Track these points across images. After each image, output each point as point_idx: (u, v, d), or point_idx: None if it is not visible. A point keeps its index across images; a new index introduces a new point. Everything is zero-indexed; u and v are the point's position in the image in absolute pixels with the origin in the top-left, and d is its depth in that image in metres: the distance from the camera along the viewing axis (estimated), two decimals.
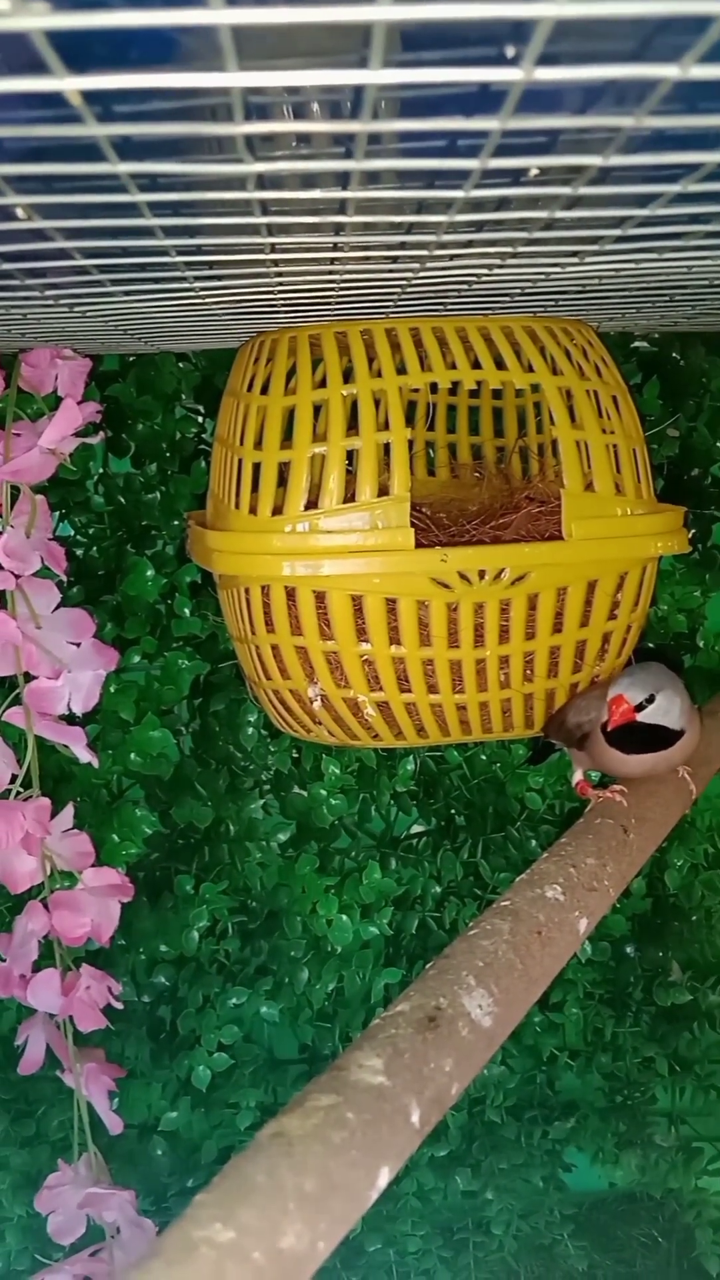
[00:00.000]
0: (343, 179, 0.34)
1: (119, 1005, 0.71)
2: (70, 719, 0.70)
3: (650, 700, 0.60)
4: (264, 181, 0.32)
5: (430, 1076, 0.38)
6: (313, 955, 0.88)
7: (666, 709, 0.60)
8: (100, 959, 0.85)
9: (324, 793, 0.87)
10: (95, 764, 0.72)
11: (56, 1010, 0.69)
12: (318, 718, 0.68)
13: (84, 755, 0.70)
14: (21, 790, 0.69)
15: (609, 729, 0.60)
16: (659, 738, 0.61)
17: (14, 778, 0.69)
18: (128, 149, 0.29)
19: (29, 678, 0.68)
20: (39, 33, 0.20)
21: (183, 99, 0.28)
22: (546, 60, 0.24)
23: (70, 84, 0.23)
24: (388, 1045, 0.38)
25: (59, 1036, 0.71)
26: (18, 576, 0.67)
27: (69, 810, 0.69)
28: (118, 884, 0.69)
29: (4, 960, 0.70)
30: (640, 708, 0.60)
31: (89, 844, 0.70)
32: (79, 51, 0.23)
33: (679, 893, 0.91)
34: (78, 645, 0.69)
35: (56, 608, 0.69)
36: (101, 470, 0.85)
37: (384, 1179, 0.35)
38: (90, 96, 0.25)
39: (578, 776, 0.67)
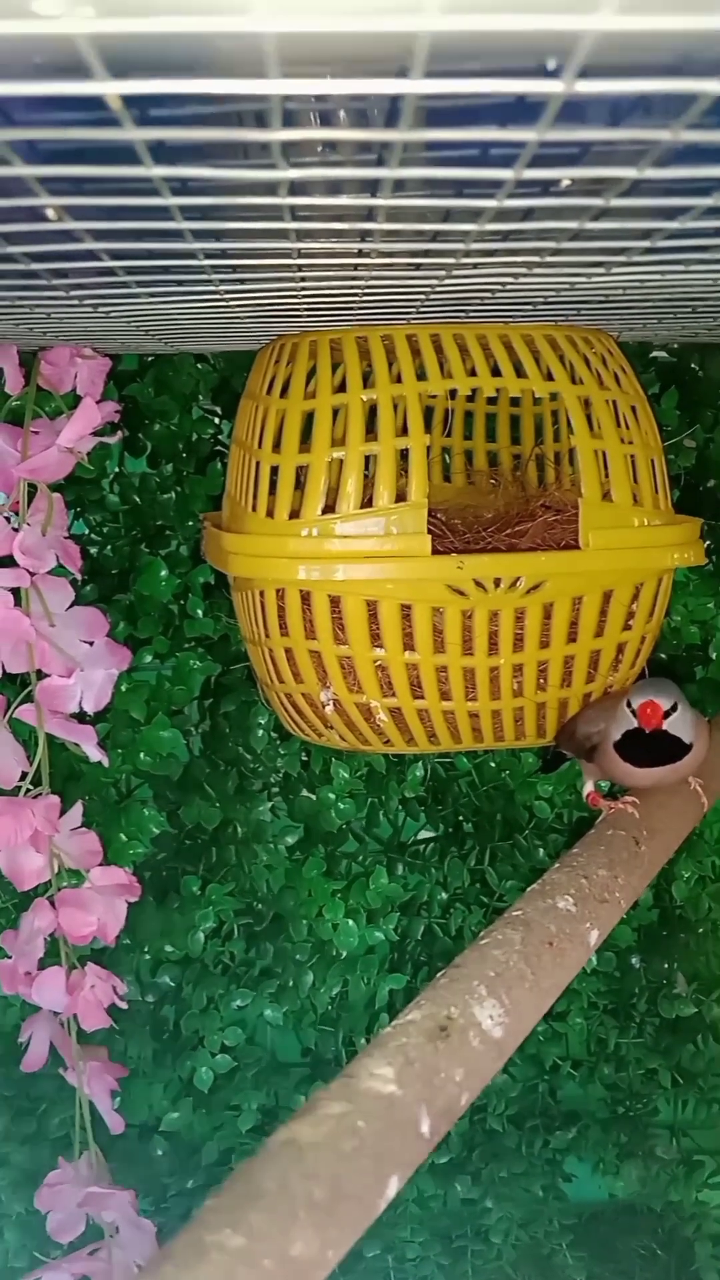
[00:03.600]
0: (371, 186, 0.34)
1: (123, 1005, 0.71)
2: (81, 718, 0.70)
3: (673, 710, 0.60)
4: (295, 187, 0.32)
5: (441, 1086, 0.38)
6: (318, 959, 0.88)
7: (682, 721, 0.60)
8: (105, 958, 0.85)
9: (332, 796, 0.87)
10: (105, 763, 0.72)
11: (61, 1008, 0.69)
12: (329, 722, 0.68)
13: (94, 754, 0.70)
14: (31, 788, 0.69)
15: (647, 731, 0.60)
16: (668, 750, 0.61)
17: (24, 775, 0.69)
18: (161, 152, 0.29)
19: (41, 675, 0.68)
20: (85, 37, 0.20)
21: (219, 104, 0.28)
22: (587, 74, 0.23)
23: (112, 88, 0.23)
24: (399, 1054, 0.38)
25: (62, 1034, 0.71)
26: (32, 574, 0.67)
27: (77, 808, 0.69)
28: (125, 883, 0.69)
29: (9, 957, 0.70)
30: (666, 715, 0.60)
31: (97, 843, 0.70)
32: (120, 55, 0.23)
33: (686, 904, 0.90)
34: (91, 644, 0.69)
35: (70, 606, 0.69)
36: (117, 469, 0.85)
37: (393, 1188, 0.35)
38: (129, 100, 0.25)
39: (589, 788, 0.67)
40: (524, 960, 0.45)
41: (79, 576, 0.72)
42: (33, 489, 0.70)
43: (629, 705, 0.61)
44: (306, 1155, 0.33)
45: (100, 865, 0.70)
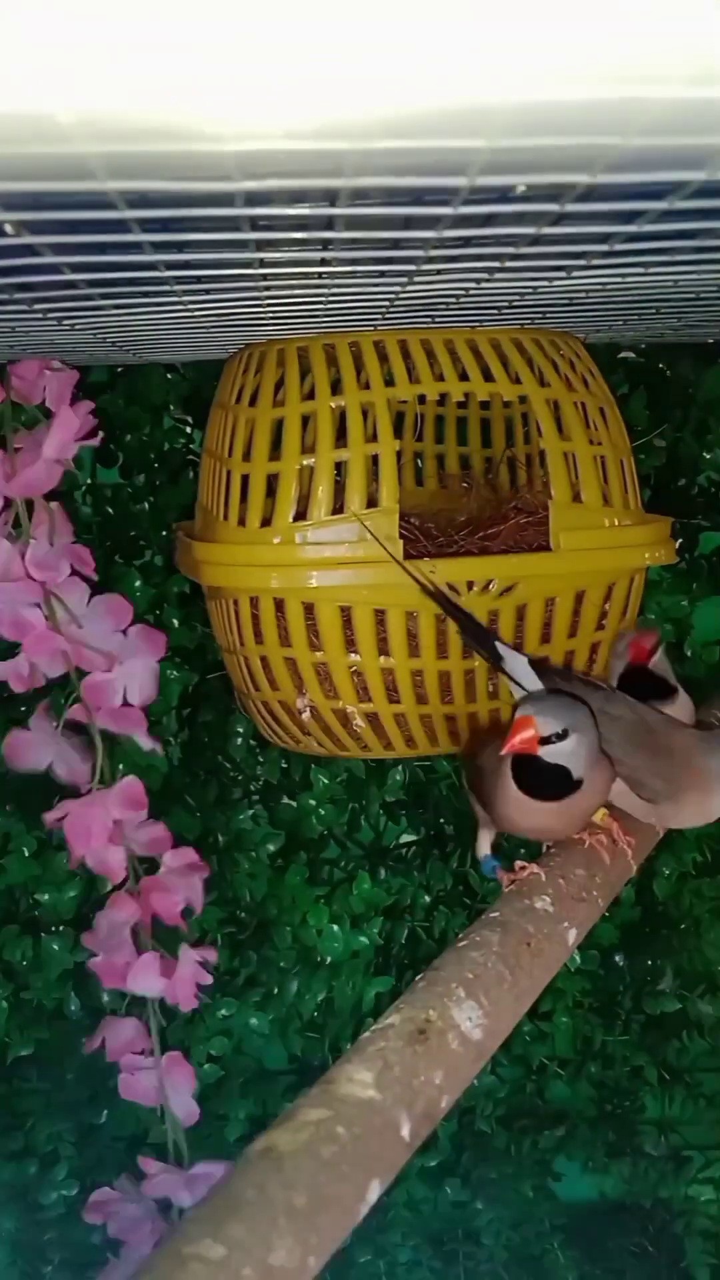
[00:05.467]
0: (330, 195, 0.34)
1: (207, 978, 0.70)
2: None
3: (563, 736, 0.52)
4: (252, 199, 0.32)
5: (420, 1089, 0.38)
6: (302, 966, 0.88)
7: (573, 752, 0.52)
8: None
9: (313, 803, 0.87)
10: (160, 752, 0.72)
11: (159, 993, 0.68)
12: (306, 729, 0.68)
13: (147, 744, 0.70)
14: (99, 786, 0.69)
15: (501, 752, 0.52)
16: (560, 784, 0.53)
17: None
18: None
19: (82, 674, 0.68)
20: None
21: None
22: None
23: (62, 107, 0.23)
24: (378, 1058, 0.38)
25: (144, 1029, 0.71)
26: (46, 586, 0.67)
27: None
28: (195, 861, 0.70)
29: (96, 955, 0.69)
30: (547, 741, 0.52)
31: (164, 830, 0.71)
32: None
33: (668, 901, 0.91)
34: (125, 634, 0.69)
35: (90, 600, 0.69)
36: (90, 481, 0.85)
37: (374, 1193, 0.35)
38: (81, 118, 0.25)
39: (484, 849, 0.60)
40: (502, 961, 0.45)
41: (95, 577, 0.71)
42: (29, 504, 0.70)
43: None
44: (286, 1163, 0.33)
45: (170, 850, 0.70)
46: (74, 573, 0.69)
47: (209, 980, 0.70)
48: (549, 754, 0.52)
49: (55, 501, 0.70)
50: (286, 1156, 0.33)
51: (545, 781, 0.53)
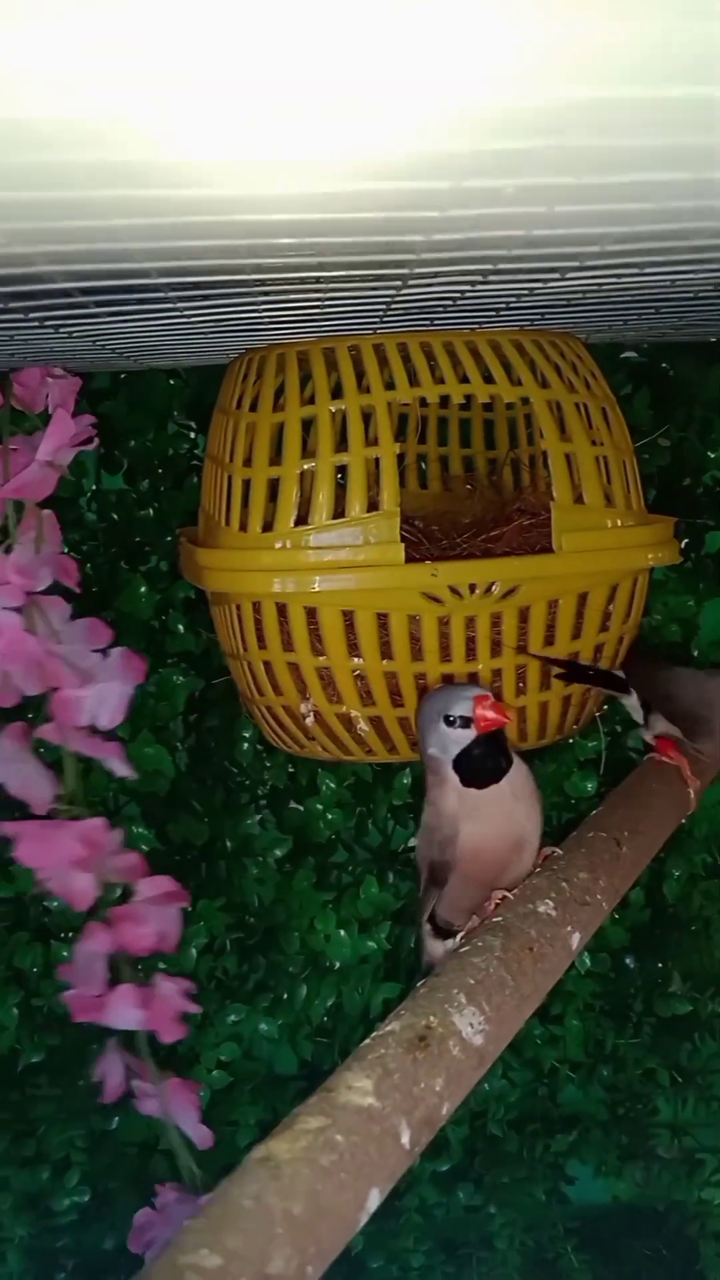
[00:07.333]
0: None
1: (196, 1008, 0.68)
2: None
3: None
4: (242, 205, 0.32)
5: (421, 1097, 0.38)
6: (311, 971, 0.88)
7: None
8: None
9: (320, 807, 0.87)
10: (131, 776, 0.71)
11: (138, 1025, 0.66)
12: (311, 733, 0.68)
13: (120, 769, 0.69)
14: (67, 808, 0.68)
15: (480, 732, 0.53)
16: (503, 761, 0.54)
17: (57, 797, 0.68)
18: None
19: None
20: None
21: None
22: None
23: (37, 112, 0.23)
24: (377, 1066, 0.38)
25: (136, 1059, 0.68)
26: (29, 593, 0.67)
27: (118, 831, 0.68)
28: (173, 890, 0.68)
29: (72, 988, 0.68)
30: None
31: (138, 858, 0.69)
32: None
33: (677, 903, 0.90)
34: (104, 655, 0.68)
35: (71, 619, 0.69)
36: (95, 487, 0.85)
37: (374, 1201, 0.35)
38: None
39: (438, 950, 0.60)
40: (504, 967, 0.45)
41: (77, 590, 0.71)
42: (21, 508, 0.70)
43: (447, 718, 0.54)
44: (284, 1171, 0.33)
45: (145, 877, 0.69)
46: (57, 587, 0.68)
47: (195, 1009, 0.68)
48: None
49: (48, 509, 0.69)
50: (284, 1165, 0.33)
51: (496, 761, 0.54)
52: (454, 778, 0.54)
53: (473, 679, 0.63)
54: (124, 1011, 0.65)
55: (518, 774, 0.55)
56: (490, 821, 0.54)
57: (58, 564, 0.69)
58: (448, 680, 0.64)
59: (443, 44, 0.19)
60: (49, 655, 0.66)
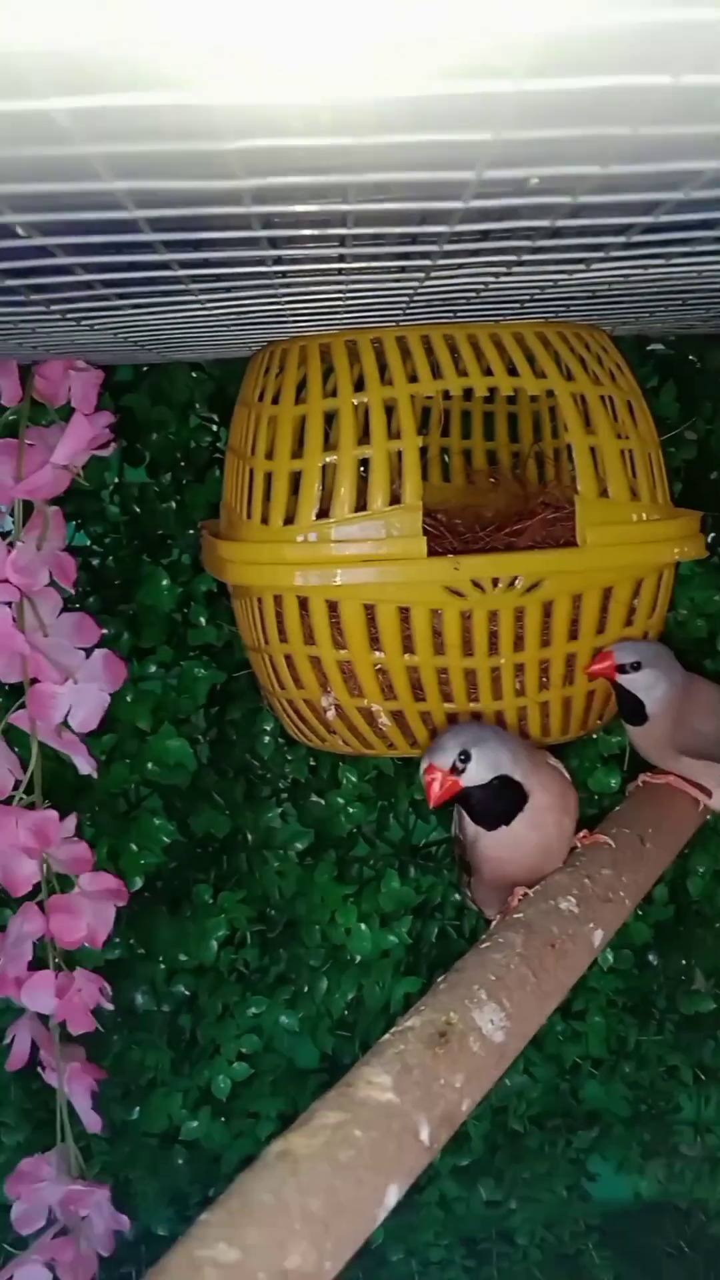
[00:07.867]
0: (342, 191, 0.34)
1: (109, 1006, 0.72)
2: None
3: (465, 759, 0.52)
4: (261, 196, 0.32)
5: (440, 1093, 0.38)
6: (332, 964, 0.88)
7: (492, 763, 0.52)
8: (120, 968, 0.85)
9: (342, 801, 0.87)
10: (95, 775, 0.72)
11: (50, 1011, 0.70)
12: (332, 727, 0.68)
13: (84, 767, 0.70)
14: (24, 796, 0.69)
15: (431, 807, 0.53)
16: (508, 804, 0.53)
17: (17, 784, 0.69)
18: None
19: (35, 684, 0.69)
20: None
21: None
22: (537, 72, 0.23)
23: (57, 104, 0.23)
24: (396, 1061, 0.38)
25: (46, 1036, 0.72)
26: (23, 591, 0.68)
27: (70, 820, 0.70)
28: (114, 888, 0.70)
29: None
30: (455, 770, 0.52)
31: (87, 850, 0.71)
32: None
33: (701, 900, 0.90)
34: (88, 654, 0.69)
35: (61, 613, 0.69)
36: (117, 480, 0.86)
37: (392, 1198, 0.35)
38: (79, 115, 0.25)
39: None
40: (525, 963, 0.44)
41: (72, 590, 0.72)
42: (30, 505, 0.71)
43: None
44: (302, 1167, 0.33)
45: (90, 871, 0.70)
46: (53, 583, 0.69)
47: (110, 1008, 0.71)
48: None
49: (56, 506, 0.70)
50: (303, 1160, 0.33)
51: (504, 807, 0.53)
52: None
53: (475, 718, 0.62)
54: (40, 996, 0.69)
55: (538, 799, 0.53)
56: (506, 846, 0.54)
57: (57, 563, 0.70)
58: (466, 685, 0.64)
59: None
60: (33, 649, 0.67)
